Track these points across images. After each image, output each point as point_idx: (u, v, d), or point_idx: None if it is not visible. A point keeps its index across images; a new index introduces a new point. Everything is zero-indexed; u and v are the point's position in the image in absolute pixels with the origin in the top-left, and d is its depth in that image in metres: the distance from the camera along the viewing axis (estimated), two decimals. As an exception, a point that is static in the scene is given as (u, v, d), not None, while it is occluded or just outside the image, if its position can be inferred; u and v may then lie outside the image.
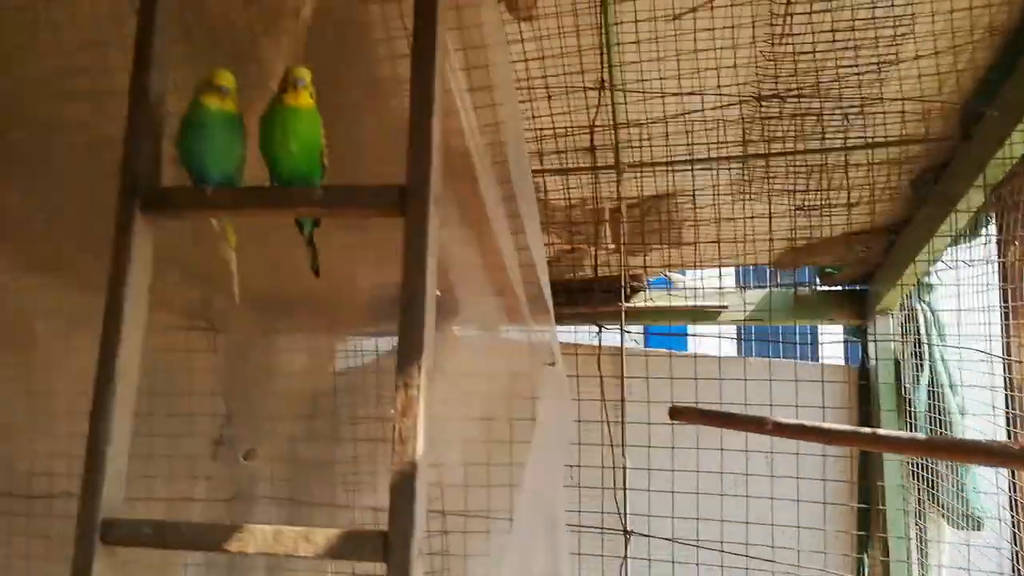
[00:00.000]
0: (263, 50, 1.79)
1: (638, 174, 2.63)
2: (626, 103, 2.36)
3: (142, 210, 1.39)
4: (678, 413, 1.95)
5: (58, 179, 2.05)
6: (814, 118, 2.30)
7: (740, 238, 2.93)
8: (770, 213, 2.82)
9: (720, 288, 3.27)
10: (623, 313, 3.12)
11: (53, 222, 2.08)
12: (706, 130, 2.41)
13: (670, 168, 2.57)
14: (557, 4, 2.05)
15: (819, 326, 3.77)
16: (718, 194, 2.75)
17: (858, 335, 3.23)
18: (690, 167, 2.65)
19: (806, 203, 2.64)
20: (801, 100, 2.14)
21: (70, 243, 2.11)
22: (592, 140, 2.43)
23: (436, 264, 1.29)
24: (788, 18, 1.94)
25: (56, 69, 1.89)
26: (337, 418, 2.14)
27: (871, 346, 3.13)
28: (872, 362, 3.12)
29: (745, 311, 3.27)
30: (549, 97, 2.26)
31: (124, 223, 1.39)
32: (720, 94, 2.20)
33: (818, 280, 3.27)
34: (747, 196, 2.59)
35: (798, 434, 1.76)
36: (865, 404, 3.21)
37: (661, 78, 2.19)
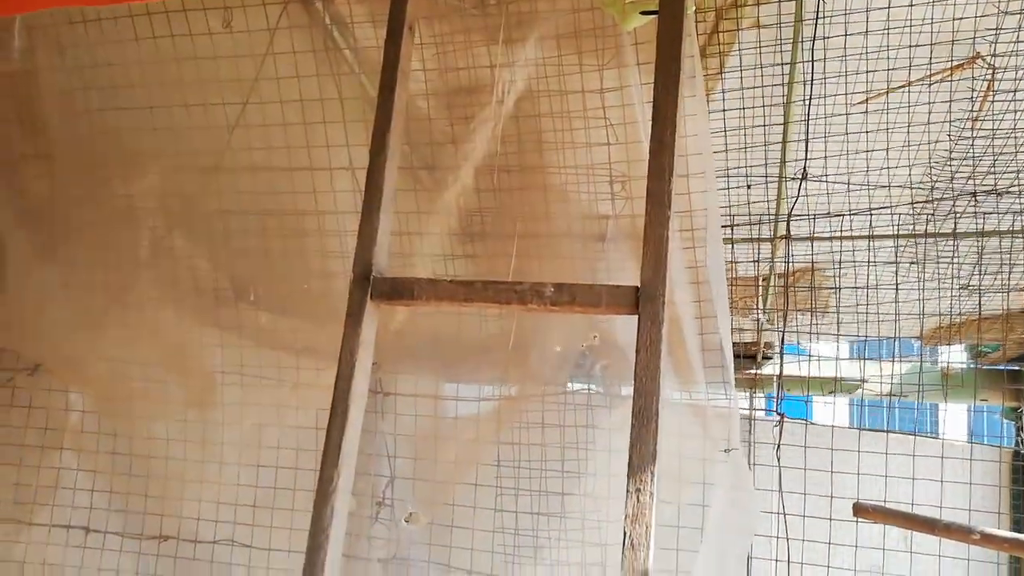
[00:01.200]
0: (459, 134, 1.86)
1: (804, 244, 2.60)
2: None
3: (372, 298, 1.46)
4: (863, 511, 1.86)
5: (240, 249, 2.17)
6: (993, 200, 2.22)
7: (890, 312, 2.83)
8: (920, 289, 2.72)
9: (863, 359, 3.15)
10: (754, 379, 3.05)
11: (238, 287, 2.20)
12: (879, 204, 2.36)
13: (839, 238, 2.53)
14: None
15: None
16: (873, 267, 2.67)
17: (1013, 416, 3.06)
18: (846, 240, 2.60)
19: (970, 283, 2.53)
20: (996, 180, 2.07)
21: (251, 303, 2.22)
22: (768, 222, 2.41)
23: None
24: (988, 100, 1.89)
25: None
26: (500, 488, 2.16)
27: (1029, 428, 2.97)
28: (1029, 445, 2.95)
29: (881, 384, 3.15)
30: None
31: (355, 310, 1.45)
32: (912, 186, 2.15)
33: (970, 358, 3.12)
34: (915, 271, 2.51)
35: (1009, 547, 1.66)
36: (1018, 484, 3.04)
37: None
